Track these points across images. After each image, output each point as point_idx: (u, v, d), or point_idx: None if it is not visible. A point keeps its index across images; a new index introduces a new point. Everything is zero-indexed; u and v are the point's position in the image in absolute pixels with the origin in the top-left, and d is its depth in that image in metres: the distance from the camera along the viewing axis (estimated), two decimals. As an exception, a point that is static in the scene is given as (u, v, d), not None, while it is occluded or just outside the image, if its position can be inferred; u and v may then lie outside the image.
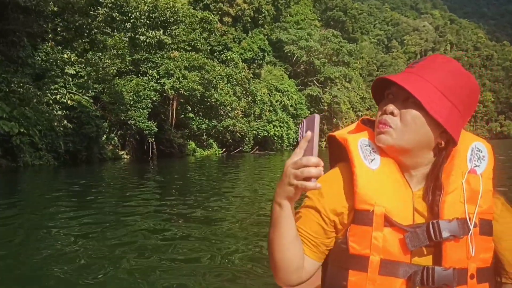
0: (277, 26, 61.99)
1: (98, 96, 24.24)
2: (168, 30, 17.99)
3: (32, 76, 21.22)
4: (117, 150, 30.90)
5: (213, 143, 40.59)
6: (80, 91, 23.96)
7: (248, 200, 11.79)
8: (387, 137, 1.20)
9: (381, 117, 1.22)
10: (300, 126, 1.16)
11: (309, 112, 58.45)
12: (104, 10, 16.20)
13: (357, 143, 1.25)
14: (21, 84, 14.98)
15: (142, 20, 16.27)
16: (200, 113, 32.01)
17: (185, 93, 26.11)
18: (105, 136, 29.44)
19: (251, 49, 43.73)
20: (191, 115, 32.26)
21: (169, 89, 26.22)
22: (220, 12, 44.54)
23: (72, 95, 18.19)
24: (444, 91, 1.17)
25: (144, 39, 16.70)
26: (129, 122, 25.58)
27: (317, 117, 1.10)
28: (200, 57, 27.03)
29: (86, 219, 7.66)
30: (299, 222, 1.26)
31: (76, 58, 16.74)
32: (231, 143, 43.40)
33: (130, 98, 24.92)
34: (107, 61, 22.65)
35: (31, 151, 23.56)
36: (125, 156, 31.08)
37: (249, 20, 46.41)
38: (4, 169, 21.06)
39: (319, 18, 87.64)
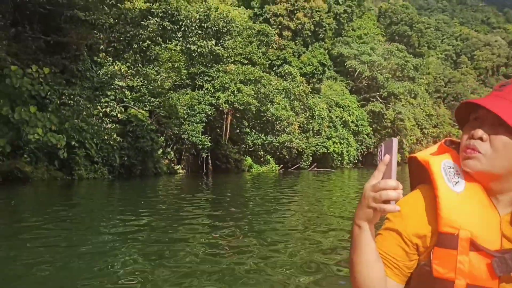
0: (339, 41, 60.50)
1: (153, 109, 23.99)
2: (221, 41, 17.31)
3: (91, 89, 21.35)
4: (173, 164, 30.64)
5: (270, 159, 39.58)
6: (135, 104, 23.86)
7: (308, 221, 11.03)
8: (475, 163, 1.19)
9: (469, 141, 1.21)
10: (379, 149, 1.15)
11: (371, 128, 56.19)
12: (155, 20, 15.82)
13: (440, 165, 1.24)
14: (72, 97, 14.71)
15: (193, 29, 15.69)
16: (256, 128, 31.12)
17: (239, 107, 25.31)
18: (161, 150, 29.30)
19: (310, 63, 42.55)
20: (246, 130, 31.44)
21: (223, 103, 25.55)
22: (280, 26, 43.84)
23: (122, 109, 17.86)
24: None
25: (195, 49, 16.07)
26: (182, 136, 25.10)
27: (395, 141, 1.10)
28: (256, 70, 26.21)
29: (141, 234, 8.29)
30: (380, 244, 1.25)
31: (127, 69, 16.40)
32: (288, 160, 42.19)
33: (184, 112, 24.47)
34: (162, 74, 22.38)
35: (86, 164, 23.70)
36: (181, 171, 30.75)
37: (309, 34, 45.31)
38: (60, 182, 21.19)
39: (383, 33, 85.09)
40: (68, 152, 22.21)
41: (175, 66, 23.74)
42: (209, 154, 30.98)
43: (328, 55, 54.05)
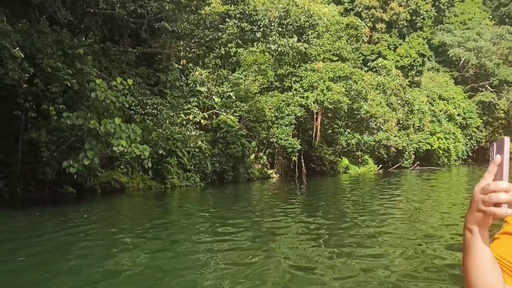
0: (440, 29, 56.19)
1: (242, 115, 23.64)
2: (304, 37, 16.32)
3: (181, 98, 21.57)
4: (266, 169, 30.18)
5: (368, 159, 37.58)
6: (224, 110, 23.69)
7: (412, 229, 9.99)
8: None
9: None
10: (490, 149, 1.09)
11: (481, 121, 51.33)
12: (233, 22, 15.29)
13: None
14: (155, 106, 14.68)
15: (272, 27, 14.89)
16: (350, 127, 29.48)
17: (329, 106, 24.00)
18: (253, 155, 28.96)
19: (408, 55, 39.71)
20: (340, 129, 29.94)
21: (312, 103, 24.42)
22: (372, 19, 41.59)
23: (206, 115, 17.60)
24: None
25: (276, 48, 15.27)
26: (271, 140, 24.44)
27: (507, 140, 1.04)
28: (346, 66, 24.70)
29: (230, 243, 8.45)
30: (497, 249, 1.18)
31: (208, 74, 16.08)
32: (389, 159, 39.77)
33: (272, 115, 23.77)
34: (249, 77, 21.93)
35: (180, 173, 24.02)
36: (274, 175, 30.17)
37: (405, 24, 42.41)
38: (154, 191, 21.65)
39: (491, 16, 77.85)
40: (159, 161, 22.82)
41: (261, 68, 23.14)
42: (302, 157, 30.05)
43: (429, 45, 50.35)
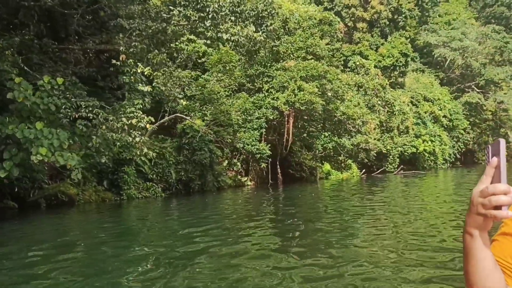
0: (424, 29, 54.85)
1: (207, 118, 21.73)
2: (263, 28, 14.51)
3: (120, 99, 19.49)
4: (240, 176, 28.27)
5: (351, 163, 35.79)
6: (187, 114, 21.81)
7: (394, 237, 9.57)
8: None
9: None
10: (486, 152, 1.09)
11: (468, 122, 49.85)
12: (178, 10, 13.43)
13: None
14: (91, 109, 12.74)
15: (223, 14, 13.06)
16: (327, 130, 27.58)
17: (301, 107, 22.13)
18: (226, 161, 27.07)
19: (391, 55, 38.08)
20: (316, 133, 28.01)
21: (282, 104, 22.53)
22: (353, 18, 39.97)
23: (152, 119, 15.71)
24: None
25: (229, 38, 13.41)
26: (237, 146, 22.54)
27: (502, 142, 1.03)
28: (320, 65, 22.89)
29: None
30: (496, 250, 1.16)
31: (151, 71, 14.18)
32: (373, 163, 38.04)
33: (239, 118, 21.85)
34: (213, 78, 20.08)
35: (140, 182, 22.04)
36: (249, 183, 28.27)
37: (387, 23, 40.83)
38: (108, 204, 19.61)
39: (476, 17, 76.87)
40: (115, 170, 20.77)
41: (227, 68, 21.29)
42: (278, 162, 28.21)
43: (413, 46, 48.88)
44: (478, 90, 52.16)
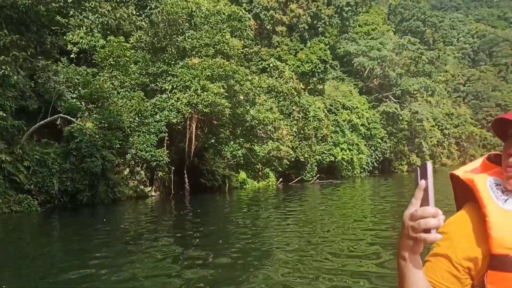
0: (344, 38, 55.08)
1: (97, 121, 18.84)
2: (146, 11, 12.27)
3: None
4: (142, 186, 25.50)
5: (269, 172, 34.09)
6: (73, 115, 18.84)
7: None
8: None
9: (509, 159, 1.16)
10: (414, 175, 1.10)
11: (385, 131, 50.31)
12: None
13: (486, 182, 1.19)
14: None
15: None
16: (238, 136, 25.48)
17: (204, 109, 19.87)
18: (128, 170, 24.23)
19: (309, 61, 37.06)
20: (225, 140, 25.88)
21: (183, 106, 20.17)
22: (272, 21, 38.57)
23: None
24: None
25: (95, 19, 11.03)
26: (129, 152, 19.87)
27: (429, 165, 1.06)
28: (227, 63, 20.80)
29: None
30: (429, 271, 1.18)
31: (12, 63, 11.36)
32: (292, 172, 36.66)
33: (132, 120, 19.18)
34: (104, 75, 17.32)
35: (12, 194, 18.66)
36: (154, 194, 25.55)
37: (306, 28, 39.89)
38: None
39: (394, 30, 79.37)
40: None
41: (120, 63, 18.60)
42: (185, 171, 25.79)
43: (334, 55, 48.60)
44: (395, 100, 53.00)
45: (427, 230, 1.00)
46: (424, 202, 1.03)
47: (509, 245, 1.09)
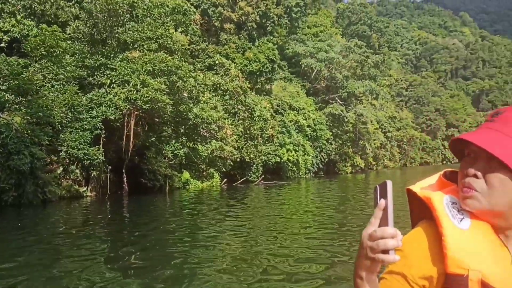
0: (293, 39, 55.11)
1: (25, 115, 17.31)
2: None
3: None
4: (77, 186, 23.98)
5: (214, 172, 33.25)
6: (1, 106, 17.23)
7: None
8: (473, 202, 1.12)
9: (464, 179, 1.14)
10: (374, 193, 1.09)
11: (330, 133, 50.73)
12: None
13: (443, 201, 1.17)
14: None
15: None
16: (181, 135, 24.48)
17: (144, 106, 18.82)
18: (61, 168, 22.66)
19: (257, 60, 36.54)
20: (167, 138, 24.82)
21: (121, 102, 19.00)
22: (220, 18, 37.73)
23: None
24: None
25: (36, 4, 9.89)
26: (59, 149, 18.48)
27: (389, 184, 1.04)
28: (169, 58, 19.80)
29: None
30: None
31: None
32: (237, 172, 36.01)
33: (63, 115, 17.79)
34: (34, 66, 15.89)
35: None
36: (89, 194, 24.08)
37: (255, 27, 39.36)
38: None
39: (342, 33, 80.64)
40: None
41: (53, 54, 17.20)
42: (124, 170, 24.50)
43: (282, 55, 48.42)
44: (341, 102, 53.57)
45: (385, 251, 0.98)
46: (383, 222, 1.01)
47: (464, 265, 1.07)
